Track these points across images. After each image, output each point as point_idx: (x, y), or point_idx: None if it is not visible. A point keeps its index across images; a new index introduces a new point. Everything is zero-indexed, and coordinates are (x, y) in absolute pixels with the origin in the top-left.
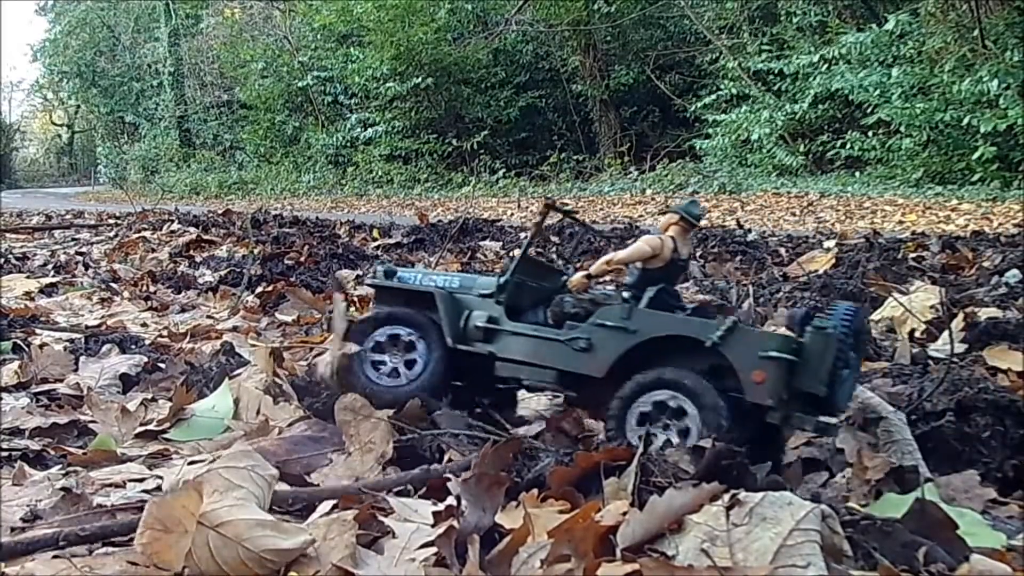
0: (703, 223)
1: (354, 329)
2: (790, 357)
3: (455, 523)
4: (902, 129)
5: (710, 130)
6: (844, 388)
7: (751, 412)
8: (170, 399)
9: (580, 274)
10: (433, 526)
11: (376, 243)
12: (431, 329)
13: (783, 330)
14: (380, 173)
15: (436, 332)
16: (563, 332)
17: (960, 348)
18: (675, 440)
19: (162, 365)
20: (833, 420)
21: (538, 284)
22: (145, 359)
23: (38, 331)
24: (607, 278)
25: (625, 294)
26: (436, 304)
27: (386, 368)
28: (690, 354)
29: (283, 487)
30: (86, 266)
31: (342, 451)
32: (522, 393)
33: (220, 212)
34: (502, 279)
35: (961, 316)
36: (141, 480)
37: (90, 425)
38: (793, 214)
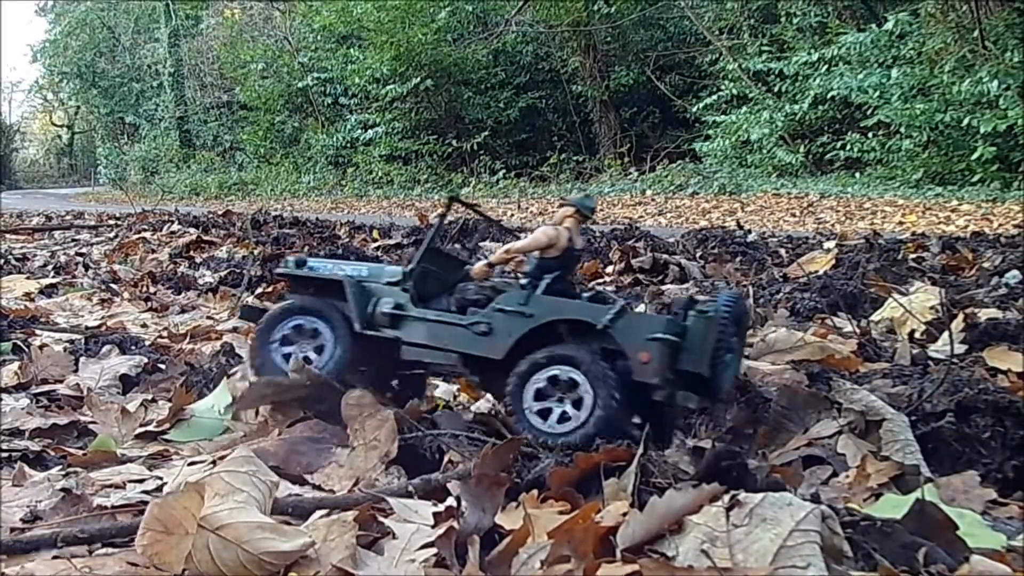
0: (703, 224)
1: (261, 322)
2: (674, 339)
3: (455, 524)
4: (902, 130)
5: (710, 131)
6: (727, 371)
7: (640, 391)
8: (170, 400)
9: (482, 263)
10: (433, 527)
11: (376, 244)
12: (336, 317)
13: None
14: (380, 174)
15: (341, 320)
16: (465, 317)
17: (960, 349)
18: (568, 412)
19: (162, 366)
20: (718, 400)
21: (443, 273)
22: (145, 360)
23: (38, 332)
24: (509, 267)
25: (523, 281)
26: (345, 292)
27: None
28: (583, 337)
29: (285, 490)
30: (86, 267)
31: (346, 447)
32: None
33: (220, 213)
34: (408, 268)
35: (961, 317)
36: (141, 481)
37: (90, 426)
38: (793, 215)
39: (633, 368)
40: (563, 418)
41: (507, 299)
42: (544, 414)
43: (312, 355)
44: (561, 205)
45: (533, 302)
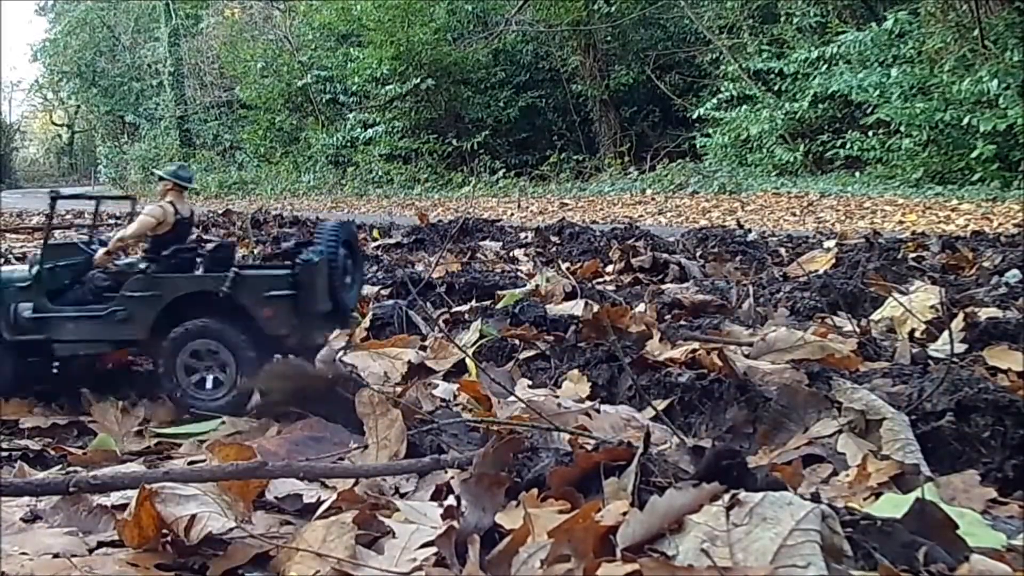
0: (703, 223)
1: None
2: (288, 292)
3: (455, 523)
4: (902, 129)
5: (710, 129)
6: (350, 292)
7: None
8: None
9: (101, 251)
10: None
11: (376, 243)
12: None
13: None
14: (380, 173)
15: None
16: (103, 306)
17: (960, 348)
18: (217, 378)
19: None
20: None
21: (69, 264)
22: None
23: None
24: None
25: (142, 265)
26: None
27: None
28: (214, 303)
29: (291, 487)
30: None
31: (359, 445)
32: None
33: (220, 212)
34: (34, 270)
35: (961, 316)
36: None
37: (90, 425)
38: (793, 214)
39: (261, 324)
40: (217, 383)
41: (133, 285)
42: (200, 384)
43: None
44: (159, 180)
45: (156, 283)
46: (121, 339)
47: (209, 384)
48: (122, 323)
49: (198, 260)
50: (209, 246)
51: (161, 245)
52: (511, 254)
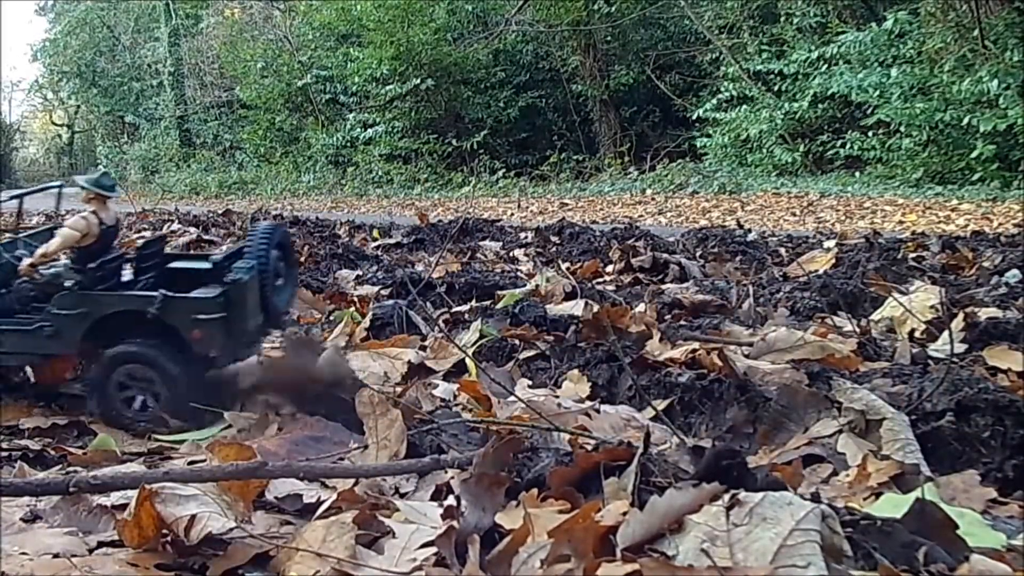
0: (703, 223)
1: None
2: (217, 315)
3: (455, 523)
4: (902, 129)
5: (710, 129)
6: (282, 296)
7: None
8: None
9: (26, 262)
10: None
11: (376, 243)
12: None
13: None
14: (380, 173)
15: None
16: (31, 320)
17: (960, 348)
18: (149, 401)
19: None
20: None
21: None
22: None
23: None
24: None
25: (69, 282)
26: None
27: None
28: (144, 321)
29: (291, 487)
30: None
31: (359, 445)
32: None
33: (220, 212)
34: None
35: (961, 316)
36: None
37: (90, 425)
38: (793, 214)
39: (191, 345)
40: (144, 406)
41: (62, 302)
42: (129, 402)
43: None
44: (82, 189)
45: (84, 300)
46: (49, 352)
47: (138, 404)
48: (50, 338)
49: (125, 265)
50: (139, 242)
51: (87, 256)
52: (511, 254)
